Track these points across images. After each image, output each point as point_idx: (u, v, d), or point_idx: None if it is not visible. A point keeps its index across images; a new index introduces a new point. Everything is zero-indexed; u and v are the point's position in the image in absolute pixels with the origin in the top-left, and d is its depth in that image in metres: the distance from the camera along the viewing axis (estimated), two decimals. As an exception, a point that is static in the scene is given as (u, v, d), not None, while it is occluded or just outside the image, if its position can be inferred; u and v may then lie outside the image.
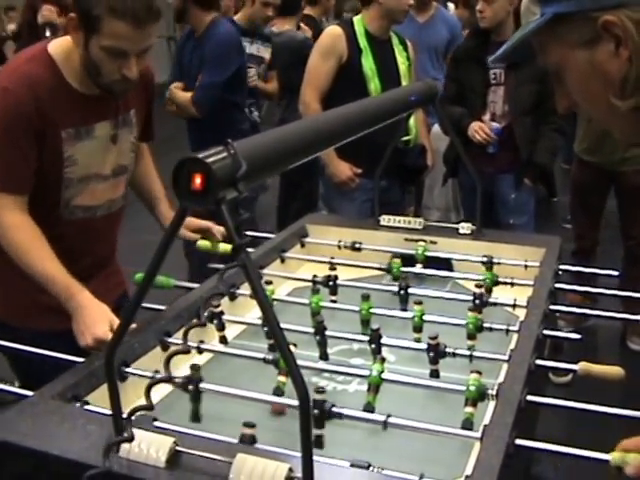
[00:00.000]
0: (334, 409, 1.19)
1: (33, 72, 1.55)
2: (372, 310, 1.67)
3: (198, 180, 0.86)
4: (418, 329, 1.61)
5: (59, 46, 1.60)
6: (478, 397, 1.27)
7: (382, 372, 1.34)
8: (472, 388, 1.28)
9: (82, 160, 1.64)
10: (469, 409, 1.27)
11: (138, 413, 1.06)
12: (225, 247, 2.14)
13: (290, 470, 0.99)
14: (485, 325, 1.58)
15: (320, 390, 1.19)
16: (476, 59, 3.09)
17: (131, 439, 1.00)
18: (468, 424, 1.24)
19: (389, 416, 1.21)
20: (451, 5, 5.55)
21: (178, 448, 1.06)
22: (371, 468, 1.11)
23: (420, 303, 1.63)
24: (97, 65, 1.53)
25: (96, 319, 1.47)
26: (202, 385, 1.31)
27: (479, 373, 1.30)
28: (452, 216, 4.39)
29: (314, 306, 1.70)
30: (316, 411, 1.17)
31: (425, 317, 1.63)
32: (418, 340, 1.60)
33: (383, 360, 1.38)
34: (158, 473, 1.03)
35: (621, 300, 2.92)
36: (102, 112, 1.66)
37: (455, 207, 4.41)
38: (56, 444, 1.12)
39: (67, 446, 1.11)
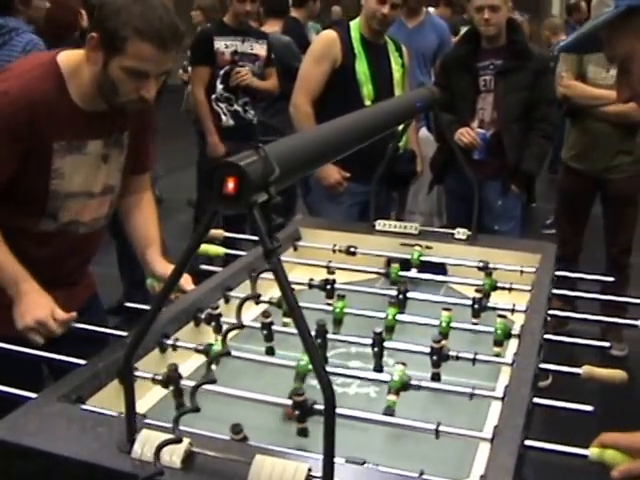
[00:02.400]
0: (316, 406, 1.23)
1: (37, 81, 1.55)
2: (398, 317, 1.66)
3: (231, 184, 0.87)
4: (445, 336, 1.58)
5: (69, 59, 1.60)
6: (402, 387, 1.32)
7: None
8: (396, 378, 1.32)
9: (69, 174, 1.64)
10: (392, 397, 1.31)
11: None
12: (216, 250, 2.14)
13: (309, 470, 0.99)
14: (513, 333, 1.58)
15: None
16: (467, 66, 3.13)
17: (180, 440, 0.99)
18: (390, 411, 1.29)
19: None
20: (431, 9, 5.61)
21: (194, 449, 1.05)
22: (366, 465, 1.12)
23: (449, 310, 1.63)
24: (115, 84, 1.53)
25: (38, 304, 1.50)
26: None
27: (404, 365, 1.36)
28: (435, 221, 4.43)
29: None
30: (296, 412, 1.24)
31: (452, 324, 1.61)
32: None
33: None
34: (174, 475, 1.02)
35: (601, 306, 2.98)
36: (96, 130, 1.66)
37: (439, 212, 4.44)
38: (66, 446, 1.11)
39: (77, 448, 1.10)
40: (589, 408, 1.25)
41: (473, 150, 3.12)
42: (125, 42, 1.47)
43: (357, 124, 1.28)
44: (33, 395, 1.26)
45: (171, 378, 1.31)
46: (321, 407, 1.18)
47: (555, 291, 1.87)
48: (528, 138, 3.13)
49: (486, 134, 3.12)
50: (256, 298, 1.19)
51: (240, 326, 1.04)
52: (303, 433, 1.26)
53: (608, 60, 0.98)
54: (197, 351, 1.49)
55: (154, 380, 1.36)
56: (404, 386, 1.32)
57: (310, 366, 1.38)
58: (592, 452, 1.07)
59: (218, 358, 1.14)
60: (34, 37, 2.90)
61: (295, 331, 1.53)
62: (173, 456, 1.04)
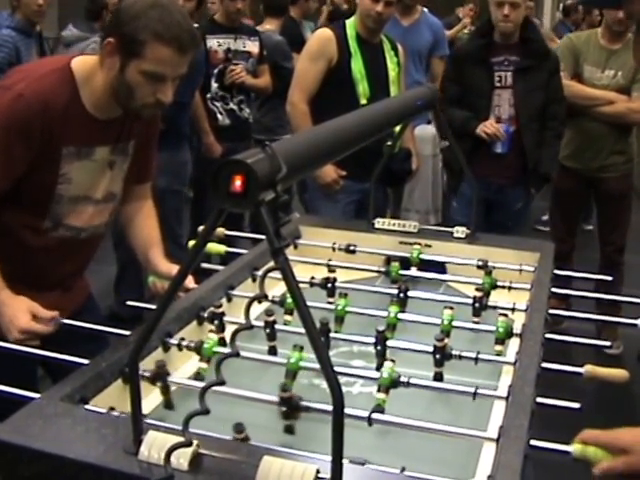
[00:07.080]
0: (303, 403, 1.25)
1: (51, 86, 1.56)
2: (399, 316, 1.66)
3: (238, 182, 0.86)
4: (447, 334, 1.57)
5: (82, 65, 1.61)
6: (391, 384, 1.32)
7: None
8: (385, 375, 1.32)
9: (76, 180, 1.64)
10: (381, 395, 1.31)
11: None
12: (218, 248, 2.14)
13: (317, 472, 0.99)
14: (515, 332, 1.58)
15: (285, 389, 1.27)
16: (480, 60, 3.10)
17: (190, 444, 0.99)
18: (380, 409, 1.29)
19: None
20: None
21: (201, 451, 1.05)
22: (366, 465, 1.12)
23: (451, 308, 1.63)
24: (132, 89, 1.54)
25: (16, 313, 1.49)
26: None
27: (393, 362, 1.36)
28: (431, 219, 4.44)
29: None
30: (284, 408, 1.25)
31: (454, 323, 1.61)
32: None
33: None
34: (182, 477, 1.02)
35: (596, 304, 2.99)
36: (105, 137, 1.67)
37: (434, 210, 4.45)
38: (71, 447, 1.10)
39: (83, 449, 1.09)
40: (576, 405, 1.26)
41: (496, 143, 3.08)
42: (144, 46, 1.48)
43: (361, 122, 1.28)
44: (31, 395, 1.25)
45: (159, 375, 1.31)
46: (307, 404, 1.22)
47: (553, 290, 1.88)
48: (543, 138, 3.12)
49: (509, 128, 3.08)
50: (264, 298, 1.18)
51: (249, 327, 1.03)
52: (289, 430, 1.27)
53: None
54: (188, 348, 1.49)
55: (142, 377, 1.34)
56: (394, 383, 1.32)
57: (301, 363, 1.39)
58: (575, 448, 1.09)
59: (226, 359, 1.13)
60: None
61: (297, 330, 1.55)
62: (180, 458, 1.03)
